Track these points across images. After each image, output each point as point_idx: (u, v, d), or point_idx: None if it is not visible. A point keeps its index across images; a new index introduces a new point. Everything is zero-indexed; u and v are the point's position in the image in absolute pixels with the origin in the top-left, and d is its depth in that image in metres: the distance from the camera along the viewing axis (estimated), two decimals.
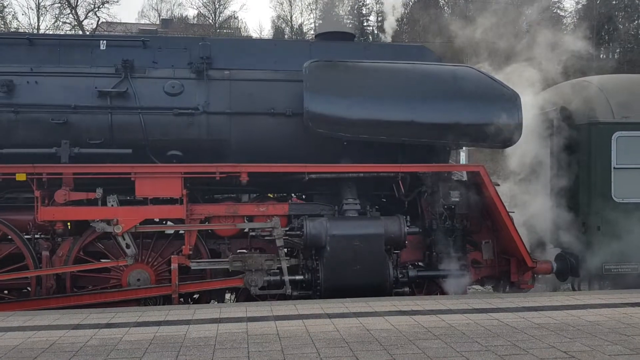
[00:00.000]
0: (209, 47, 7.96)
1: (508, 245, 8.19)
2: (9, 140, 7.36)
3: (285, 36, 42.53)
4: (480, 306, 6.68)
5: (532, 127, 8.43)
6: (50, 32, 30.49)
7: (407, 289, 7.93)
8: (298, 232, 7.67)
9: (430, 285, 8.37)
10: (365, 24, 45.70)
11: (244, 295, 8.08)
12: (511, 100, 7.82)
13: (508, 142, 7.92)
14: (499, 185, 8.14)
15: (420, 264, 8.48)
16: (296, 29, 45.61)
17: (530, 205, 8.57)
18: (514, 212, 8.44)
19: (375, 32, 44.77)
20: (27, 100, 7.47)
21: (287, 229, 7.78)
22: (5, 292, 7.90)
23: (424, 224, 8.16)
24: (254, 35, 44.62)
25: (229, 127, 7.85)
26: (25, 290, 7.90)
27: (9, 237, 7.56)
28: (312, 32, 43.73)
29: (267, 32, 46.85)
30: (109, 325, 5.91)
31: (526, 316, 6.15)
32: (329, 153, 7.91)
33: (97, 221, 7.38)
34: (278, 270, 7.74)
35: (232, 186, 8.01)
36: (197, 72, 7.87)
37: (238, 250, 8.11)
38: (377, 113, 7.59)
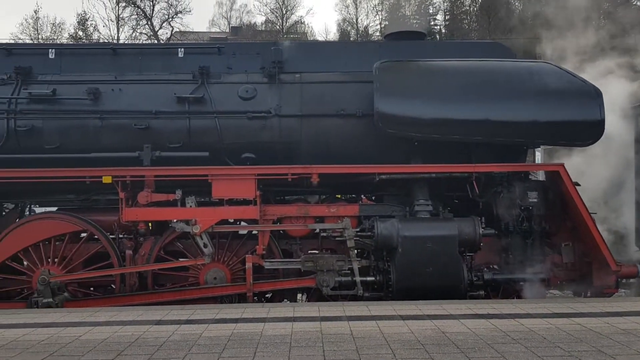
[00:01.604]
0: (281, 52, 8.12)
1: (590, 248, 7.83)
2: (95, 145, 7.79)
3: (351, 39, 42.58)
4: (561, 310, 6.42)
5: (617, 123, 8.02)
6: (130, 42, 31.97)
7: (482, 292, 7.74)
8: (369, 233, 7.67)
9: (507, 289, 8.12)
10: (432, 23, 45.05)
11: (315, 296, 8.15)
12: (592, 97, 7.48)
13: (589, 140, 7.58)
14: (579, 185, 7.78)
15: (495, 267, 8.25)
16: (362, 31, 45.58)
17: (615, 206, 8.15)
18: (595, 213, 8.05)
19: (443, 31, 44.05)
20: (111, 107, 7.89)
21: (357, 230, 7.79)
22: (91, 289, 8.35)
23: (500, 225, 7.92)
24: (320, 39, 44.97)
25: (299, 130, 7.97)
26: (111, 288, 8.33)
27: (96, 236, 7.99)
28: (377, 34, 43.54)
29: (332, 36, 47.08)
30: (189, 322, 6.13)
31: (611, 321, 5.86)
32: (400, 153, 7.87)
33: (177, 221, 7.68)
34: (349, 271, 7.76)
35: (303, 187, 8.12)
36: (269, 76, 8.05)
37: (309, 251, 8.21)
38: (449, 112, 7.47)
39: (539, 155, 13.89)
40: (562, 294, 9.08)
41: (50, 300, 7.39)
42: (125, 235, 8.17)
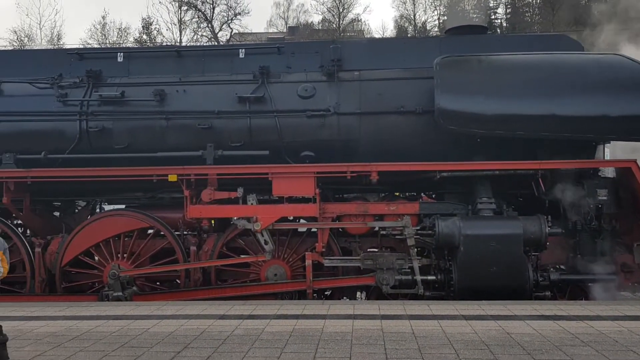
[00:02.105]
0: (340, 50, 8.13)
1: None
2: (161, 144, 8.06)
3: (409, 35, 42.08)
4: (633, 313, 6.13)
5: None
6: (194, 45, 32.81)
7: (548, 293, 7.49)
8: (430, 232, 7.57)
9: (574, 290, 7.82)
10: (493, 16, 43.87)
11: (374, 294, 8.13)
12: None
13: None
14: None
15: (562, 267, 7.95)
16: (419, 27, 44.95)
17: None
18: None
19: (504, 24, 42.80)
20: (176, 107, 8.14)
21: (418, 228, 7.71)
22: (157, 283, 8.65)
23: (567, 224, 7.63)
24: (377, 36, 44.70)
25: (358, 127, 7.96)
26: (176, 282, 8.60)
27: (162, 233, 8.27)
28: (436, 29, 42.80)
29: (389, 33, 46.67)
30: (251, 317, 6.25)
31: None
32: (462, 150, 7.72)
33: (239, 219, 7.84)
34: (409, 270, 7.69)
35: (362, 185, 8.10)
36: (328, 75, 8.08)
37: (368, 249, 8.19)
38: (513, 107, 7.27)
39: (607, 152, 13.26)
40: (633, 296, 8.64)
41: (120, 293, 7.70)
42: (189, 232, 8.41)
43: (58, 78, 8.32)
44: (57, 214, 9.30)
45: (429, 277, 7.69)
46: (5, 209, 8.22)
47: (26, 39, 36.45)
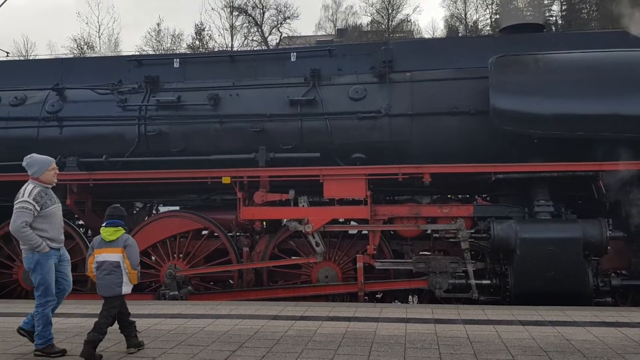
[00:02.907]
0: (391, 51, 8.09)
1: None
2: (215, 147, 8.22)
3: (459, 35, 41.38)
4: None
5: None
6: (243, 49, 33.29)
7: (609, 299, 7.20)
8: (484, 235, 7.42)
9: (637, 296, 7.49)
10: (547, 14, 42.60)
11: (427, 298, 8.03)
12: None
13: None
14: None
15: (624, 272, 7.64)
16: (471, 26, 44.14)
17: None
18: None
19: (560, 22, 41.49)
20: (229, 111, 8.29)
21: (472, 231, 7.57)
22: (211, 283, 8.82)
23: (629, 227, 7.32)
24: (426, 36, 44.15)
25: (410, 129, 7.89)
26: (229, 282, 8.75)
27: (216, 234, 8.44)
28: (487, 28, 41.91)
29: (439, 32, 46.01)
30: (303, 318, 6.29)
31: None
32: (518, 152, 7.52)
33: (290, 220, 7.90)
34: (463, 274, 7.56)
35: (414, 187, 8.02)
36: (379, 76, 8.05)
37: (421, 252, 8.10)
38: (572, 107, 7.04)
39: None
40: None
41: (176, 293, 7.91)
42: (242, 233, 8.54)
43: (118, 84, 8.63)
44: None
45: (484, 282, 7.54)
46: (69, 210, 8.58)
47: (86, 46, 37.97)
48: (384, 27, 41.15)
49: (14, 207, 4.89)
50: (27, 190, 4.97)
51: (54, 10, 58.15)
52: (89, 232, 9.10)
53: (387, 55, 8.03)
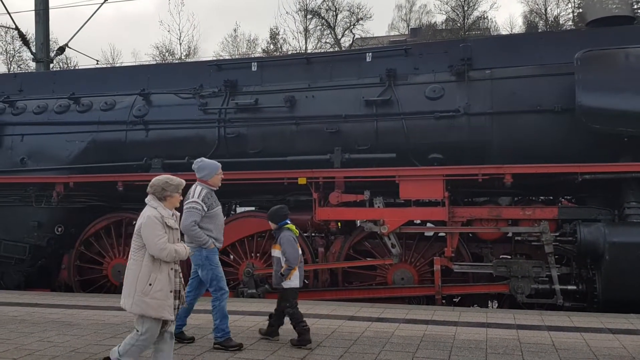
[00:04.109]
0: (470, 48, 7.89)
1: None
2: (291, 148, 8.33)
3: (539, 30, 39.71)
4: None
5: None
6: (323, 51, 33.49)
7: None
8: (570, 238, 7.09)
9: None
10: (635, 6, 40.03)
11: (507, 302, 7.77)
12: None
13: None
14: None
15: None
16: (551, 21, 42.26)
17: None
18: None
19: None
20: (305, 113, 8.38)
21: (557, 234, 7.24)
22: None
23: None
24: (504, 33, 42.70)
25: (490, 128, 7.66)
26: (304, 282, 8.81)
27: None
28: (569, 23, 39.97)
29: (517, 29, 44.31)
30: (380, 319, 6.25)
31: None
32: (606, 151, 7.13)
33: (365, 221, 7.87)
34: (547, 279, 7.25)
35: (494, 188, 7.77)
36: (458, 74, 7.87)
37: (501, 255, 7.84)
38: None
39: None
40: None
41: (254, 290, 8.08)
42: (317, 234, 8.60)
43: (199, 88, 8.94)
44: None
45: (569, 287, 7.21)
46: None
47: (167, 53, 39.65)
48: (459, 25, 40.21)
49: (185, 207, 5.16)
50: (197, 192, 5.31)
51: (137, 19, 61.29)
52: None
53: (465, 53, 7.83)
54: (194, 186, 5.37)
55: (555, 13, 42.24)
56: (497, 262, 7.46)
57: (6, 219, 9.31)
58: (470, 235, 7.96)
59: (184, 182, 4.28)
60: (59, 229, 9.17)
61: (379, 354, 4.92)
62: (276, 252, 5.44)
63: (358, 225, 8.28)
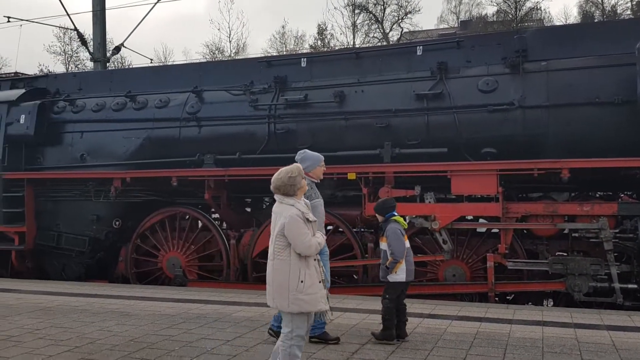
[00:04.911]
0: (525, 40, 7.67)
1: None
2: (341, 144, 8.31)
3: (595, 20, 38.18)
4: None
5: None
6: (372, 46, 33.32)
7: None
8: (631, 235, 6.83)
9: None
10: None
11: (563, 301, 7.54)
12: None
13: None
14: None
15: None
16: (608, 11, 40.56)
17: None
18: None
19: None
20: (354, 108, 8.35)
21: (616, 230, 6.97)
22: (336, 277, 8.94)
23: None
24: (558, 24, 41.26)
25: (546, 121, 7.44)
26: (354, 277, 8.83)
27: (340, 229, 8.55)
28: (627, 12, 38.27)
29: (572, 19, 42.78)
30: (431, 316, 6.19)
31: None
32: None
33: (416, 217, 7.79)
34: (605, 277, 6.99)
35: (550, 184, 7.55)
36: (512, 67, 7.66)
37: (557, 252, 7.62)
38: None
39: None
40: None
41: None
42: (366, 229, 8.58)
43: (250, 85, 9.04)
44: (248, 209, 10.14)
45: (630, 286, 6.93)
46: (206, 204, 9.18)
47: (217, 51, 40.33)
48: (511, 16, 39.16)
49: None
50: None
51: (187, 19, 62.62)
52: (224, 224, 9.66)
53: (520, 44, 7.61)
54: None
55: (612, 2, 40.55)
56: (554, 260, 7.25)
57: (67, 213, 9.74)
58: (525, 231, 7.76)
59: (300, 165, 4.22)
60: (117, 223, 9.52)
61: (432, 350, 4.88)
62: (383, 244, 5.32)
63: (408, 221, 8.19)
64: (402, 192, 7.91)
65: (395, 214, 5.39)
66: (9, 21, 17.35)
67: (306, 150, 5.48)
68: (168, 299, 7.29)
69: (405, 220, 5.92)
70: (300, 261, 3.89)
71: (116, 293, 7.82)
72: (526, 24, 37.07)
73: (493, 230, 7.89)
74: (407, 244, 5.29)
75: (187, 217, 9.40)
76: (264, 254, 8.80)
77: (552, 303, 7.95)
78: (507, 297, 8.01)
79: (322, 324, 5.08)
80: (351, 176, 7.99)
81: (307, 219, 3.95)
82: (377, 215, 5.51)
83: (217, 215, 9.63)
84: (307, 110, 8.64)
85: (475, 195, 7.78)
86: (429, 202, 7.76)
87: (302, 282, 3.84)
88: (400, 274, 5.16)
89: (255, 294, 7.68)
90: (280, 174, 4.06)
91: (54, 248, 9.86)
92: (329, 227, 8.73)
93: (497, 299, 7.68)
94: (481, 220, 7.92)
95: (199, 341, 5.22)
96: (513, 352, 4.77)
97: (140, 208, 9.39)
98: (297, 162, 5.32)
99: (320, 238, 4.00)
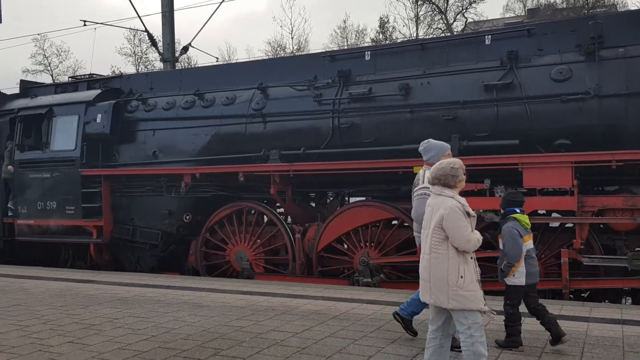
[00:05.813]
0: (600, 25, 7.29)
1: None
2: (406, 137, 8.17)
3: None
4: None
5: None
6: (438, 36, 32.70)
7: None
8: None
9: None
10: None
11: None
12: None
13: None
14: None
15: None
16: None
17: None
18: None
19: None
20: (420, 100, 8.22)
21: None
22: (402, 273, 8.85)
23: None
24: (633, 8, 39.01)
25: (624, 110, 7.07)
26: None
27: (406, 224, 8.45)
28: None
29: None
30: (502, 313, 5.99)
31: None
32: None
33: (486, 211, 7.59)
34: None
35: (629, 176, 7.16)
36: (587, 54, 7.31)
37: (637, 248, 7.21)
38: None
39: None
40: None
41: (370, 280, 8.12)
42: None
43: (313, 80, 9.08)
44: (312, 204, 10.21)
45: None
46: (271, 199, 9.32)
47: (279, 48, 40.81)
48: (581, 2, 37.39)
49: (415, 194, 5.05)
50: (425, 177, 4.90)
51: (249, 17, 63.67)
52: (289, 219, 9.78)
53: (595, 30, 7.24)
54: (421, 171, 5.16)
55: None
56: (633, 255, 6.87)
57: (141, 208, 10.16)
58: (602, 226, 7.40)
59: (461, 161, 4.06)
60: (187, 217, 9.83)
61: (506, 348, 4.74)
62: (500, 243, 4.84)
63: (478, 215, 7.99)
64: (471, 186, 7.68)
65: (517, 210, 4.81)
66: (85, 24, 18.24)
67: (430, 139, 5.20)
68: (237, 291, 7.45)
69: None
70: (459, 256, 3.70)
71: (187, 285, 8.07)
72: (598, 10, 35.29)
73: (567, 225, 7.56)
74: (530, 244, 4.77)
75: (253, 211, 9.58)
76: (329, 248, 8.92)
77: (630, 301, 7.55)
78: (582, 295, 7.68)
79: (415, 313, 4.99)
80: (417, 170, 7.84)
81: (468, 213, 3.77)
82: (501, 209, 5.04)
83: (282, 210, 9.76)
84: (371, 104, 8.58)
85: (548, 189, 7.51)
86: (500, 196, 7.52)
87: (461, 277, 3.66)
88: (518, 277, 4.69)
89: (321, 287, 7.74)
90: (442, 164, 3.94)
91: (129, 241, 10.31)
92: (394, 222, 8.67)
93: (571, 296, 7.37)
94: (555, 214, 7.61)
95: (268, 333, 5.31)
96: (591, 351, 4.57)
97: (209, 203, 9.66)
98: (420, 152, 5.19)
99: (480, 236, 3.78)
